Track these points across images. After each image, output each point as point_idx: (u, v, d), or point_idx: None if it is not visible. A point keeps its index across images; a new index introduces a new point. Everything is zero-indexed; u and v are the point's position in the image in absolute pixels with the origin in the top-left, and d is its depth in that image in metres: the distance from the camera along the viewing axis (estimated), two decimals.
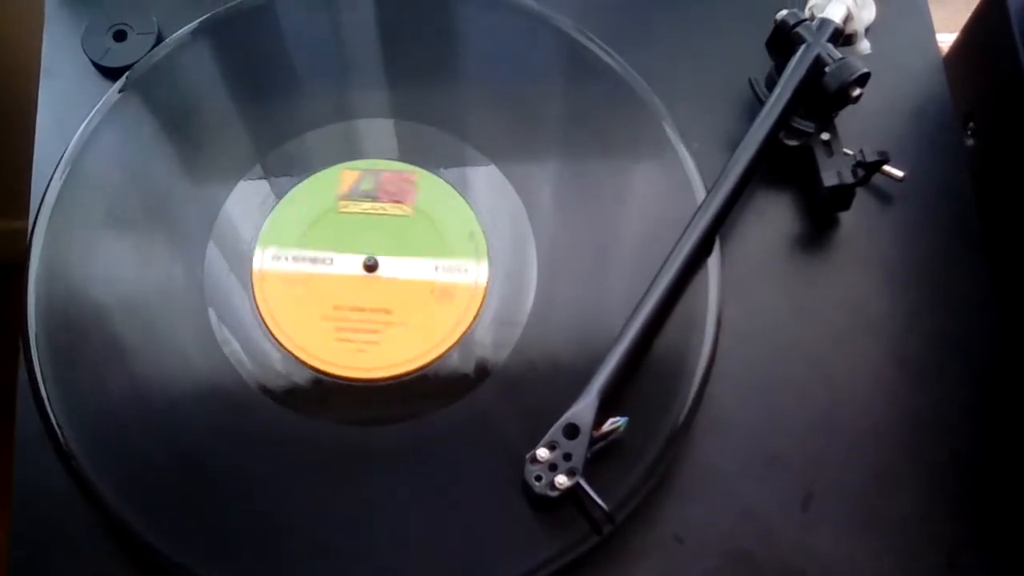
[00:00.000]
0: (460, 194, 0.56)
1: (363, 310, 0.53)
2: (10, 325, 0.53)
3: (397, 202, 0.55)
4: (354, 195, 0.56)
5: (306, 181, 0.56)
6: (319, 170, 0.56)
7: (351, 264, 0.54)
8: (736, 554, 0.51)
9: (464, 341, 0.52)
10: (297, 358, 0.52)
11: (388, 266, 0.54)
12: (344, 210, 0.55)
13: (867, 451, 0.53)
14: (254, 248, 0.54)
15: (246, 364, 0.52)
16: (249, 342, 0.52)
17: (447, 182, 0.56)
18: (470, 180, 0.56)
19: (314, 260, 0.54)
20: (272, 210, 0.55)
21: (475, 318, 0.53)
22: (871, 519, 0.52)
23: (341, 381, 0.52)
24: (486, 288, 0.54)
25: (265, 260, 0.54)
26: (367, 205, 0.55)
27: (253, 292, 0.53)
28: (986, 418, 0.54)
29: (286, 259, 0.54)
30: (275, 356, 0.52)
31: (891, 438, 0.53)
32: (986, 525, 0.52)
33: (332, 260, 0.54)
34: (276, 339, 0.52)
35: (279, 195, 0.55)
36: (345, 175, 0.56)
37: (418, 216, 0.55)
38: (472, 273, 0.54)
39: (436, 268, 0.54)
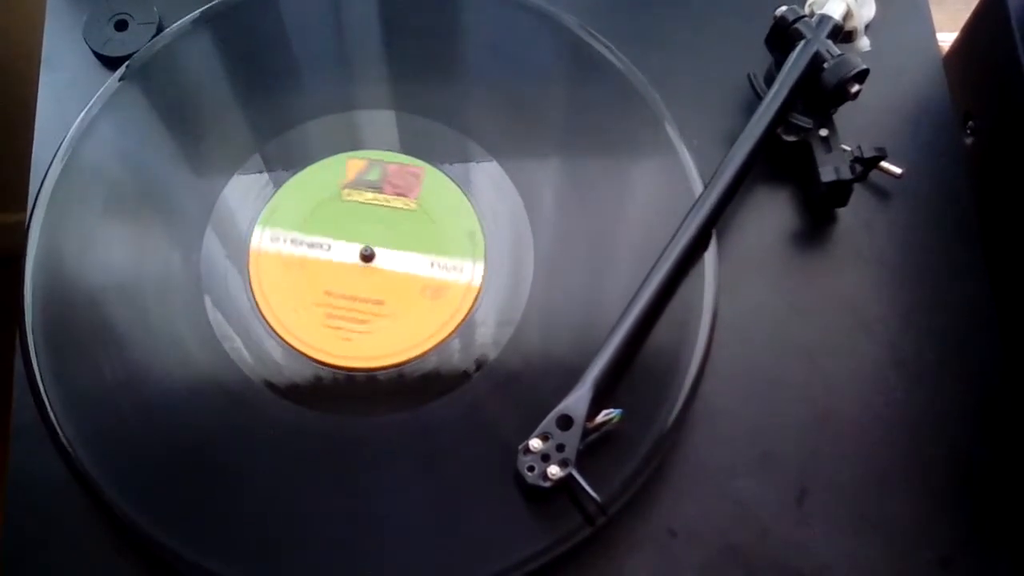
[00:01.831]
0: (464, 192, 0.56)
1: (355, 299, 0.53)
2: (7, 315, 0.53)
3: (401, 195, 0.55)
4: (359, 184, 0.56)
5: (311, 167, 0.56)
6: (320, 159, 0.56)
7: (348, 252, 0.54)
8: (729, 549, 0.51)
9: (460, 331, 0.52)
10: (292, 347, 0.52)
11: (385, 257, 0.54)
12: (347, 198, 0.55)
13: (862, 449, 0.53)
14: (251, 234, 0.54)
15: (242, 353, 0.52)
16: (244, 330, 0.52)
17: (451, 179, 0.56)
18: (471, 175, 0.56)
19: (311, 245, 0.54)
20: (274, 193, 0.55)
21: (472, 307, 0.53)
22: (866, 517, 0.52)
23: (334, 370, 0.52)
24: (483, 278, 0.54)
25: (263, 242, 0.54)
26: (370, 195, 0.56)
27: (250, 281, 0.53)
28: (983, 417, 0.54)
29: (284, 241, 0.54)
30: (270, 345, 0.52)
31: (887, 436, 0.53)
32: (981, 525, 0.52)
33: (330, 246, 0.54)
34: (271, 327, 0.52)
35: (277, 184, 0.56)
36: (351, 164, 0.56)
37: (420, 211, 0.55)
38: (467, 272, 0.54)
39: (432, 265, 0.54)
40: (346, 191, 0.56)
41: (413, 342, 0.52)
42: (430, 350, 0.52)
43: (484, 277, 0.54)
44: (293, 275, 0.54)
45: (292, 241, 0.54)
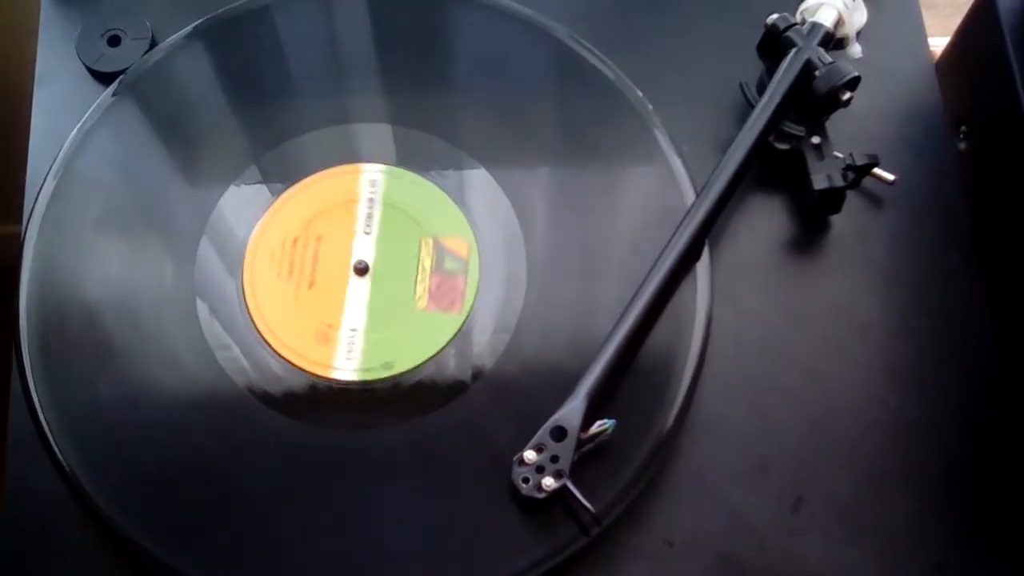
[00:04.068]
0: (456, 205, 0.55)
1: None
2: (2, 329, 0.53)
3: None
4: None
5: (313, 177, 0.56)
6: (314, 171, 0.56)
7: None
8: (726, 558, 0.51)
9: (454, 345, 0.52)
10: (288, 360, 0.52)
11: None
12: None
13: (857, 456, 0.53)
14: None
15: (237, 367, 0.52)
16: (240, 345, 0.52)
17: (442, 189, 0.56)
18: (461, 184, 0.56)
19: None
20: (271, 205, 0.55)
21: (465, 321, 0.53)
22: (861, 524, 0.51)
23: (330, 384, 0.52)
24: (476, 293, 0.54)
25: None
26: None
27: (244, 295, 0.53)
28: (977, 423, 0.54)
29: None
30: (266, 359, 0.52)
31: (882, 443, 0.53)
32: (975, 532, 0.52)
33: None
34: (267, 341, 0.52)
35: (270, 196, 0.56)
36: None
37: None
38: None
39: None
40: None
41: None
42: (433, 357, 0.52)
43: (479, 283, 0.54)
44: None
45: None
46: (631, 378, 0.51)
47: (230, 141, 0.57)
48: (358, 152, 0.57)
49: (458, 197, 0.56)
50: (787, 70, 0.55)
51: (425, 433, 0.51)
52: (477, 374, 0.52)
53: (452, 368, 0.52)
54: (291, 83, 0.59)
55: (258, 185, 0.56)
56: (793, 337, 0.55)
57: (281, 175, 0.56)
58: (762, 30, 0.56)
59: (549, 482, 0.47)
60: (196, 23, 0.59)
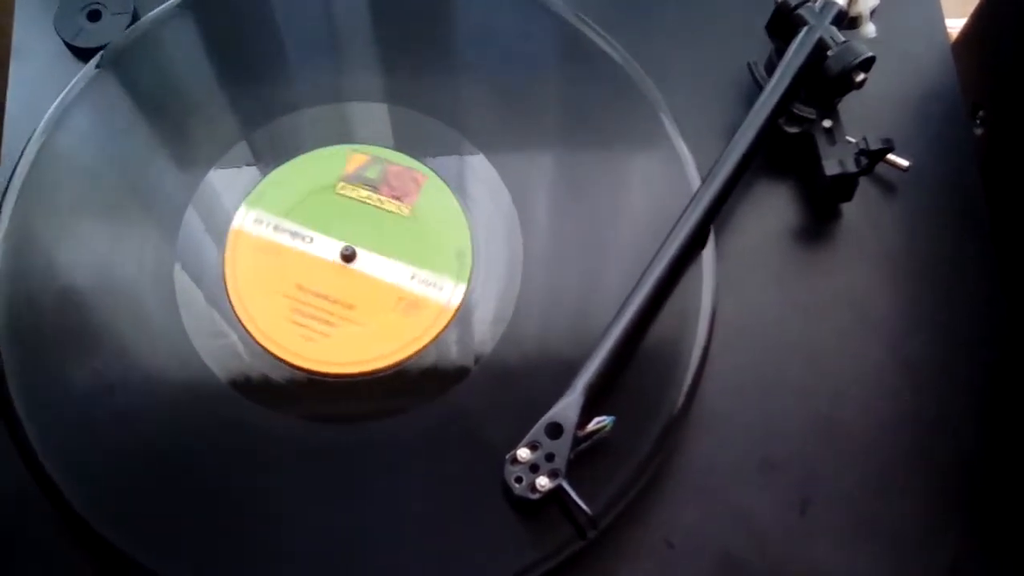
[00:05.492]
0: (460, 204, 0.54)
1: (326, 298, 0.52)
2: None
3: (396, 199, 0.54)
4: (356, 180, 0.54)
5: (309, 155, 0.54)
6: (306, 151, 0.55)
7: (329, 249, 0.53)
8: (729, 561, 0.50)
9: (447, 333, 0.51)
10: (269, 351, 0.50)
11: (365, 260, 0.53)
12: (340, 192, 0.54)
13: (867, 454, 0.52)
14: (227, 234, 0.53)
15: (217, 356, 0.50)
16: (221, 334, 0.51)
17: (449, 187, 0.54)
18: (459, 169, 0.55)
19: (293, 234, 0.53)
20: (261, 181, 0.54)
21: (443, 329, 0.51)
22: (871, 525, 0.51)
23: (314, 375, 0.50)
24: (462, 301, 0.52)
25: (245, 226, 0.53)
26: (365, 193, 0.54)
27: (226, 281, 0.52)
28: (991, 420, 0.53)
29: (266, 225, 0.53)
30: (247, 349, 0.51)
31: (893, 441, 0.52)
32: (989, 532, 0.51)
33: (312, 239, 0.53)
34: (248, 331, 0.51)
35: (257, 179, 0.54)
36: (352, 158, 0.54)
37: (412, 219, 0.53)
38: (447, 291, 0.52)
39: (413, 277, 0.52)
40: (341, 184, 0.54)
41: (376, 353, 0.51)
42: (425, 347, 0.51)
43: (464, 300, 0.52)
44: (269, 262, 0.52)
45: (275, 227, 0.53)
46: (631, 372, 0.49)
47: (215, 119, 0.56)
48: (351, 132, 0.56)
49: (455, 183, 0.54)
50: (798, 49, 0.53)
51: (413, 429, 0.49)
52: (471, 365, 0.50)
53: (444, 359, 0.51)
54: (281, 59, 0.57)
55: (244, 165, 0.54)
56: (801, 330, 0.54)
57: (269, 154, 0.55)
58: (772, 8, 0.55)
59: (544, 482, 0.45)
60: None
